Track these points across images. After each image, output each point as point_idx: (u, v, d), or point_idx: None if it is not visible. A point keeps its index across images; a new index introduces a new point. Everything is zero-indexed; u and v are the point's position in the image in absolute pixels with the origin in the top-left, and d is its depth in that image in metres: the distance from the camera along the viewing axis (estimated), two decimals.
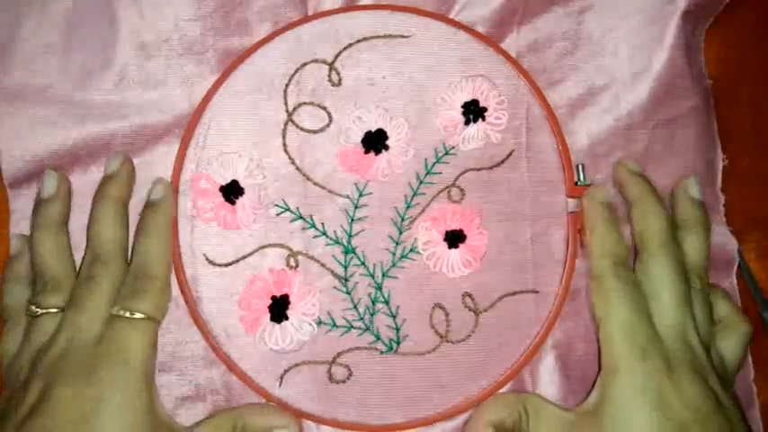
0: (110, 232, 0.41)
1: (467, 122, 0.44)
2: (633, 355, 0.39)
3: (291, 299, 0.43)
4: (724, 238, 0.46)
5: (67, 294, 0.40)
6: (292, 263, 0.44)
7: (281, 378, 0.43)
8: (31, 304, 0.41)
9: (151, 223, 0.42)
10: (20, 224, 0.44)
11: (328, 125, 0.44)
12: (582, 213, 0.44)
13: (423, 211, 0.44)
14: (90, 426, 0.36)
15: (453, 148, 0.45)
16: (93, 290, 0.40)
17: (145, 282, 0.40)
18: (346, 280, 0.44)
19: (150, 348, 0.40)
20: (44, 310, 0.40)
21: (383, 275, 0.44)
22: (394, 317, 0.44)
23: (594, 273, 0.42)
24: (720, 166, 0.47)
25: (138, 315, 0.39)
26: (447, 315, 0.44)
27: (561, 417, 0.41)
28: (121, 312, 0.39)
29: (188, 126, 0.44)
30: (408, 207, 0.44)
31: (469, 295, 0.44)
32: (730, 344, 0.42)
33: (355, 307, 0.44)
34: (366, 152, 0.44)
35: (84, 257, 0.42)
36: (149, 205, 0.43)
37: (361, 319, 0.44)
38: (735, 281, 0.47)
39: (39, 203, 0.43)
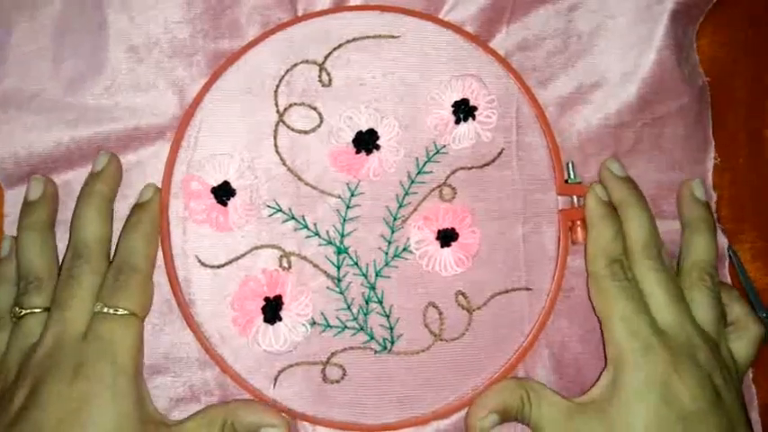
0: (92, 229, 0.41)
1: (457, 121, 0.45)
2: (637, 349, 0.40)
3: (285, 300, 0.43)
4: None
5: (50, 294, 0.41)
6: (285, 263, 0.44)
7: (276, 379, 0.43)
8: (14, 306, 0.41)
9: (136, 221, 0.42)
10: (14, 227, 0.43)
11: (319, 125, 0.44)
12: (573, 211, 0.45)
13: (415, 210, 0.44)
14: (80, 422, 0.36)
15: (444, 147, 0.45)
16: (74, 288, 0.40)
17: (126, 276, 0.40)
18: (339, 280, 0.44)
19: (136, 344, 0.40)
20: (27, 311, 0.40)
21: (376, 275, 0.44)
22: (387, 316, 0.44)
23: (591, 271, 0.43)
24: (711, 164, 0.48)
25: (120, 311, 0.39)
26: (440, 314, 0.44)
27: (564, 404, 0.41)
28: (104, 309, 0.39)
29: (178, 128, 0.44)
30: (400, 206, 0.44)
31: (462, 293, 0.44)
32: (742, 345, 0.43)
33: (349, 307, 0.44)
34: (357, 152, 0.44)
35: (65, 254, 0.42)
36: (136, 206, 0.43)
37: (355, 318, 0.44)
38: (729, 279, 0.47)
39: (25, 206, 0.43)
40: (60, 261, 0.43)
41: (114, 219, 0.43)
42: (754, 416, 0.46)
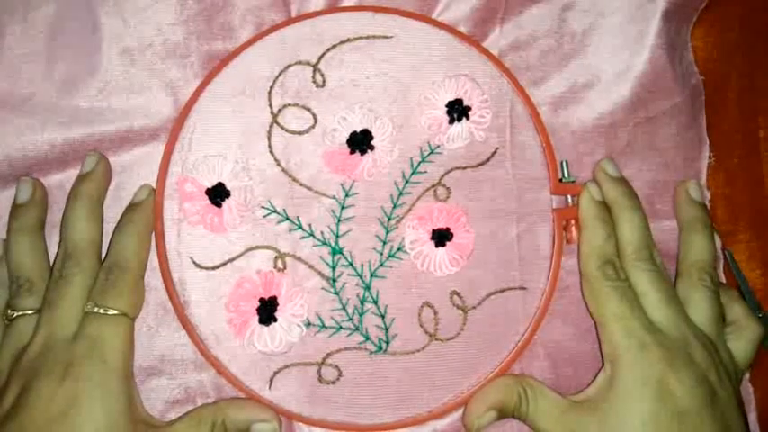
0: (82, 230, 0.41)
1: (451, 121, 0.45)
2: (632, 347, 0.40)
3: (280, 301, 0.43)
4: None
5: (42, 296, 0.41)
6: (280, 264, 0.44)
7: (271, 380, 0.43)
8: (7, 308, 0.41)
9: (128, 220, 0.42)
10: (5, 229, 0.43)
11: (313, 126, 0.44)
12: (567, 210, 0.45)
13: (409, 210, 0.45)
14: (68, 423, 0.36)
15: (438, 147, 0.45)
16: (65, 289, 0.40)
17: (116, 275, 0.40)
18: (334, 281, 0.44)
19: (126, 344, 0.40)
20: (19, 313, 0.40)
21: (371, 275, 0.44)
22: (383, 316, 0.44)
23: (584, 272, 0.43)
24: (706, 162, 0.48)
25: (111, 311, 0.39)
26: (435, 313, 0.44)
27: (561, 401, 0.41)
28: (95, 309, 0.39)
29: (172, 130, 0.44)
30: (395, 207, 0.44)
31: (457, 293, 0.44)
32: (741, 344, 0.43)
33: (344, 307, 0.44)
34: (351, 152, 0.44)
35: (56, 256, 0.42)
36: (130, 206, 0.43)
37: (350, 319, 0.44)
38: (724, 279, 0.47)
39: (14, 209, 0.43)
40: (52, 263, 0.43)
41: (109, 221, 0.43)
42: (752, 416, 0.46)
